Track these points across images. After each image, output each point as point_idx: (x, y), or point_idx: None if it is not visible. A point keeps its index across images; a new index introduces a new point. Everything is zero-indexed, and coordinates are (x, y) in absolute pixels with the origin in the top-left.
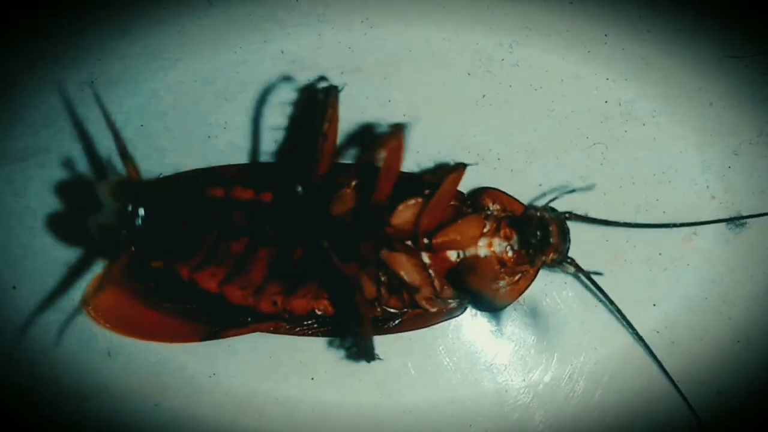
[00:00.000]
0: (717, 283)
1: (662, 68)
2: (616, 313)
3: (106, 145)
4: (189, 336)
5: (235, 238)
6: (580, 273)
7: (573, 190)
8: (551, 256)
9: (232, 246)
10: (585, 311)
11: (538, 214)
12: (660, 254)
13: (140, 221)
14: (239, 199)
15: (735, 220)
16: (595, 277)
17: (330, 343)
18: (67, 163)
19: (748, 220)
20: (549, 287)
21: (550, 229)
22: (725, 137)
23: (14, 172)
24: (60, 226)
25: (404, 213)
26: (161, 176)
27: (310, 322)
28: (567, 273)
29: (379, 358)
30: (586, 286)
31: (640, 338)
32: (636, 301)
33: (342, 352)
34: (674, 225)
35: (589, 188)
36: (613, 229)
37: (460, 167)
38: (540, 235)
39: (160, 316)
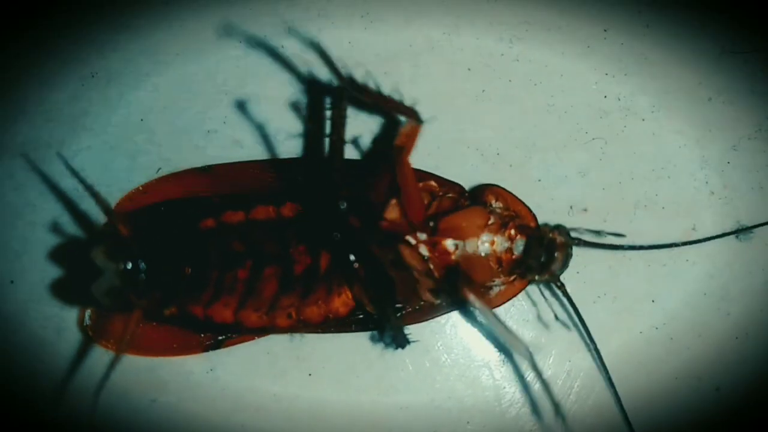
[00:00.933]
0: (716, 278)
1: (661, 64)
2: (586, 337)
3: (91, 206)
4: (191, 349)
5: (240, 265)
6: (565, 297)
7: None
8: (545, 277)
9: (238, 274)
10: (582, 309)
11: (550, 234)
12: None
13: (143, 275)
14: (231, 224)
15: (741, 231)
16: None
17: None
18: (56, 228)
19: (748, 217)
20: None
21: (556, 255)
22: (724, 133)
23: (15, 167)
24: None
25: (395, 208)
26: (159, 171)
27: (324, 326)
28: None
29: (414, 341)
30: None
31: (602, 364)
32: (635, 297)
33: (345, 347)
34: (683, 244)
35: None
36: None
37: (400, 152)
38: (545, 258)
39: (162, 334)
